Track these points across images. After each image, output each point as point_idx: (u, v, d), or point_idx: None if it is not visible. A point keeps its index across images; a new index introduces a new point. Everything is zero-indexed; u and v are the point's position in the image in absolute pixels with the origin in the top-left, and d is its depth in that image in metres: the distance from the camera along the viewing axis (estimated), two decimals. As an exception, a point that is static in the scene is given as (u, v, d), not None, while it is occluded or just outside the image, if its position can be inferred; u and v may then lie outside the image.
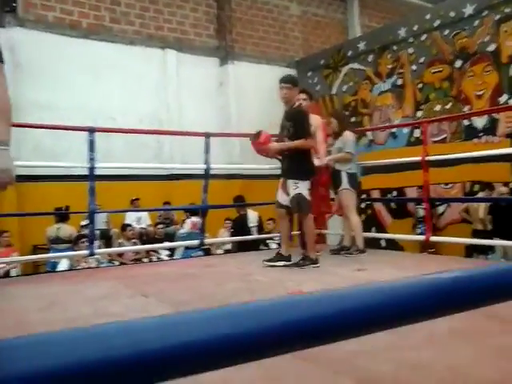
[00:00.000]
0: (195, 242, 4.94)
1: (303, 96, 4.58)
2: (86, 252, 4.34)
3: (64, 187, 7.02)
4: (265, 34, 10.88)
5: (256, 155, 4.38)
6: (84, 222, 5.81)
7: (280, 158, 4.13)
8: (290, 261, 3.98)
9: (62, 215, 6.57)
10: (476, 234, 6.20)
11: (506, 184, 6.39)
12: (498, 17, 6.81)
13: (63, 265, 5.14)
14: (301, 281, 3.41)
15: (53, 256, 5.85)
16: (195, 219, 7.04)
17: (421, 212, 7.50)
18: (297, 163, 3.92)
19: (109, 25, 9.05)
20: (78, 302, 2.99)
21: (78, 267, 4.99)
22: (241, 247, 6.12)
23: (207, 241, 5.18)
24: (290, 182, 3.90)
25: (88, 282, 3.64)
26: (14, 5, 7.96)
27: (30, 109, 7.38)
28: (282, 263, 3.94)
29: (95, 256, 4.83)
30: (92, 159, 4.28)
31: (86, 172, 4.34)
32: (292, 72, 10.44)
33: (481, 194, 6.60)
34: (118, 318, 2.75)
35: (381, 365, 1.75)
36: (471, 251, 6.05)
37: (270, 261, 4.00)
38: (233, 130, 8.78)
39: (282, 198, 4.04)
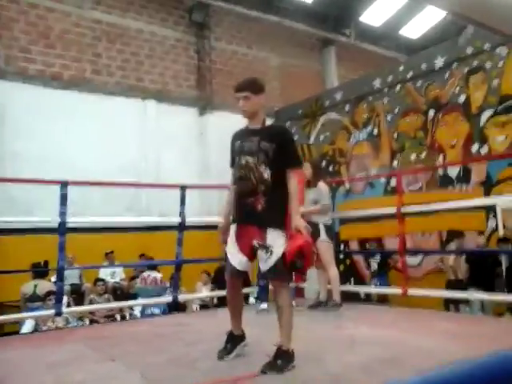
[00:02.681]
0: (169, 299, 4.78)
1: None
2: (51, 312, 4.09)
3: (41, 240, 6.80)
4: (245, 84, 11.10)
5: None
6: (54, 278, 5.58)
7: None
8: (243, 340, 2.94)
9: (40, 270, 6.22)
10: (449, 283, 6.10)
11: (481, 233, 6.41)
12: (466, 69, 7.05)
13: (27, 326, 4.81)
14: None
15: (13, 318, 4.94)
16: (153, 274, 6.79)
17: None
18: (280, 208, 2.70)
19: (90, 76, 9.17)
20: (39, 369, 2.81)
21: (44, 328, 4.72)
22: (221, 302, 5.76)
23: (181, 297, 5.01)
24: (277, 234, 2.64)
25: (52, 345, 3.46)
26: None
27: (8, 160, 7.36)
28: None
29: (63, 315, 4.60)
30: (63, 213, 4.14)
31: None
32: (270, 121, 10.61)
33: (452, 243, 6.57)
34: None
35: None
36: (448, 302, 5.93)
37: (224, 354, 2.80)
38: (213, 180, 8.74)
39: (239, 261, 2.73)
